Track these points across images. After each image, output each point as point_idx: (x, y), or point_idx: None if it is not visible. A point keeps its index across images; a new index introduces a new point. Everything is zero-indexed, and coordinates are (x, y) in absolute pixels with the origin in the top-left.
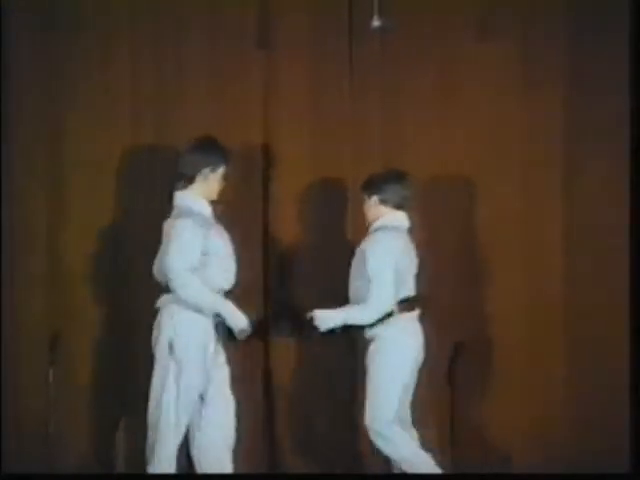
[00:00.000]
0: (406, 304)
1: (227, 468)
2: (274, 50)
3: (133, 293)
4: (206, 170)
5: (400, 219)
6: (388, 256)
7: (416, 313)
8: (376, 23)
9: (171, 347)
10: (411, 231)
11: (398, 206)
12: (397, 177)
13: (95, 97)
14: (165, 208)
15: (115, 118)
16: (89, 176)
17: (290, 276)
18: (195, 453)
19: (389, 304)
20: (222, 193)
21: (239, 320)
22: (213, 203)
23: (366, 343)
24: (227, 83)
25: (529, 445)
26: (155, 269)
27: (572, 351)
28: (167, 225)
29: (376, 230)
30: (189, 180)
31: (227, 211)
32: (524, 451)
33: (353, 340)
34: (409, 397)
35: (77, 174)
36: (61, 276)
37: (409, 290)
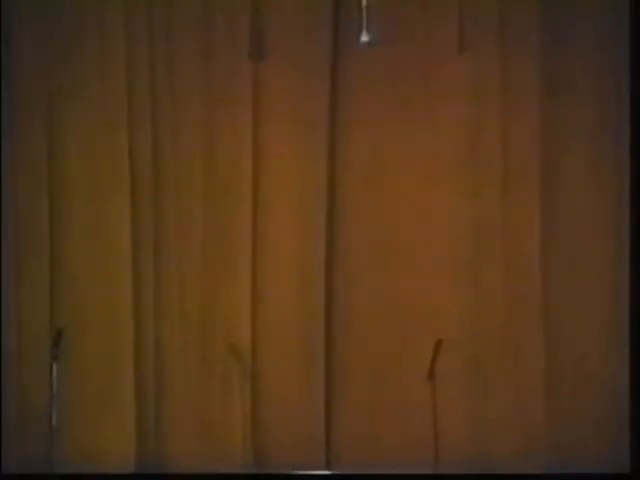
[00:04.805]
0: None
1: None
2: (265, 62)
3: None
4: None
5: None
6: None
7: None
8: (364, 38)
9: None
10: None
11: None
12: None
13: (92, 98)
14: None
15: (113, 120)
16: (90, 177)
17: None
18: None
19: None
20: None
21: None
22: None
23: None
24: (218, 93)
25: (530, 445)
26: None
27: (572, 352)
28: None
29: None
30: None
31: None
32: (526, 451)
33: None
34: None
35: (78, 175)
36: (63, 274)
37: None
